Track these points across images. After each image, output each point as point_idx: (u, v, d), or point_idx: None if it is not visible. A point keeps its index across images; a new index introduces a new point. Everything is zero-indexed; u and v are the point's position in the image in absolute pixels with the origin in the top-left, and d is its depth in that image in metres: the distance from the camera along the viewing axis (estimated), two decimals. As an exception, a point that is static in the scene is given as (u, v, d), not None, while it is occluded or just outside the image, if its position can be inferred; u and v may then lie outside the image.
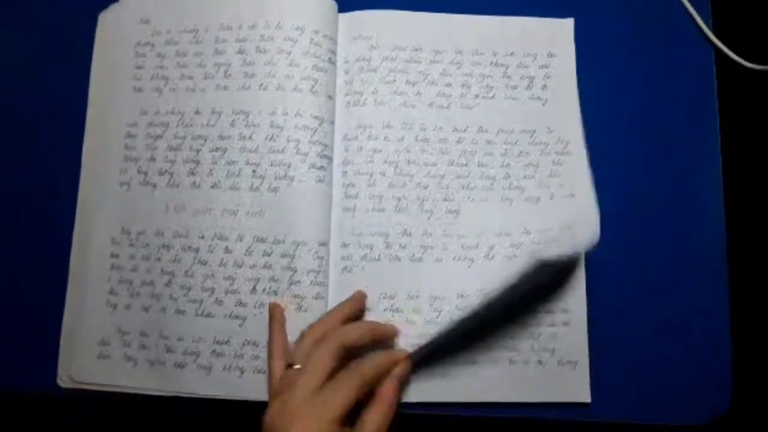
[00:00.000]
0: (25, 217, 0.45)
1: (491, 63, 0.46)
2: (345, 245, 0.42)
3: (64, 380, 0.41)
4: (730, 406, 0.42)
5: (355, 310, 0.40)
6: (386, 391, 0.36)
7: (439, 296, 0.42)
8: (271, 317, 0.40)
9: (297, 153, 0.42)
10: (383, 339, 0.40)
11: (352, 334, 0.38)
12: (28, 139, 0.46)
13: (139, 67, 0.45)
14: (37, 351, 0.42)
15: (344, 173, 0.43)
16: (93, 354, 0.41)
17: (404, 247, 0.42)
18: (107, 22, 0.46)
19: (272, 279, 0.41)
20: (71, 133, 0.45)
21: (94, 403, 0.43)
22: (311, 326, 0.38)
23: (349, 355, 0.37)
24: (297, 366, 0.36)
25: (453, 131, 0.44)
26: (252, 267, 0.41)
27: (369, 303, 0.42)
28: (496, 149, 0.44)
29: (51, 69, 0.47)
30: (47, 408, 0.45)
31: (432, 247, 0.42)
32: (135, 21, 0.46)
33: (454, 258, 0.42)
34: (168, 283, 0.41)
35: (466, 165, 0.44)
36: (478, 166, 0.44)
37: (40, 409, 0.45)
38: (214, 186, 0.42)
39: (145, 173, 0.43)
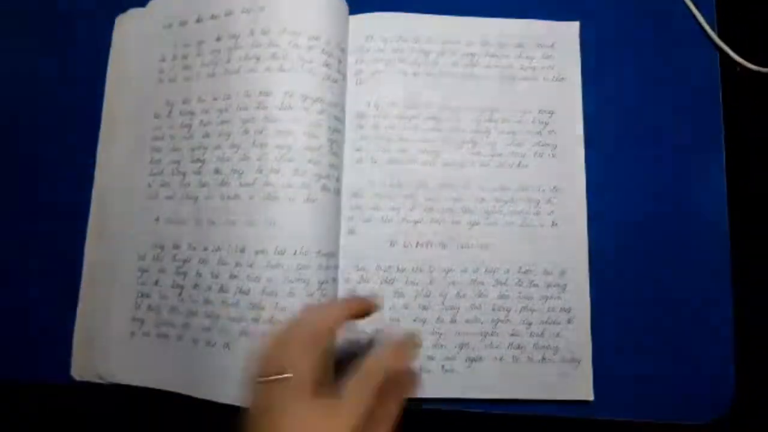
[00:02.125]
0: (37, 218, 0.46)
1: (496, 66, 0.46)
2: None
3: (78, 373, 0.42)
4: (732, 406, 0.42)
5: (362, 310, 0.34)
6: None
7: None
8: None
9: (310, 162, 0.41)
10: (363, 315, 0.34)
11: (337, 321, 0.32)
12: (44, 137, 0.47)
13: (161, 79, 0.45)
14: (50, 343, 0.43)
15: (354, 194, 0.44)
16: (121, 353, 0.42)
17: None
18: (125, 25, 0.47)
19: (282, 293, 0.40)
20: (86, 133, 0.46)
21: (108, 394, 0.44)
22: (299, 324, 0.31)
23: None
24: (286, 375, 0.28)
25: (457, 141, 0.45)
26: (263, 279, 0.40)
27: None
28: (492, 155, 0.45)
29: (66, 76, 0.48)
30: (58, 398, 0.46)
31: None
32: (156, 26, 0.46)
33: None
34: (195, 286, 0.41)
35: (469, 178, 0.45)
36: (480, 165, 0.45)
37: (51, 399, 0.46)
38: (230, 197, 0.41)
39: (176, 173, 0.43)
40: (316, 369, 0.28)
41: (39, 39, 0.49)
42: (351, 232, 0.43)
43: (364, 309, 0.34)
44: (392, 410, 0.30)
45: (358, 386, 0.28)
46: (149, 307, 0.42)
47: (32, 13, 0.49)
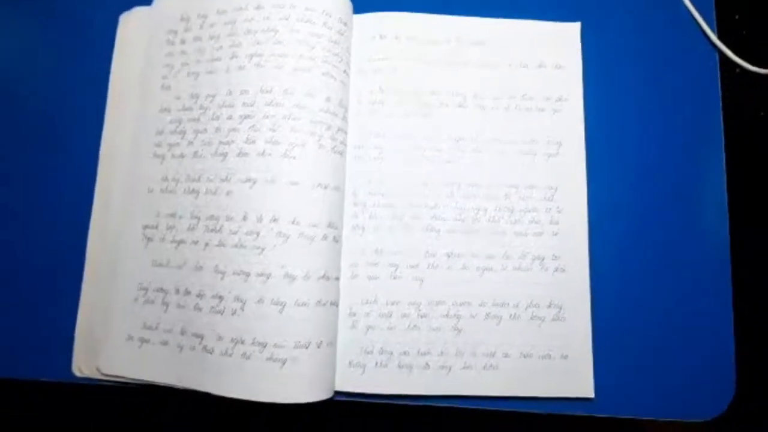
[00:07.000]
0: (40, 211, 0.46)
1: (498, 65, 0.47)
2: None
3: (81, 370, 0.42)
4: (733, 403, 0.42)
5: None
6: None
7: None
8: None
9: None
10: None
11: None
12: (47, 132, 0.47)
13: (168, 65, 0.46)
14: (53, 340, 0.43)
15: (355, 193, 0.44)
16: (122, 347, 0.42)
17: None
18: (129, 22, 0.47)
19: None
20: (91, 125, 0.46)
21: (109, 392, 0.43)
22: None
23: None
24: None
25: (457, 140, 0.45)
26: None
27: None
28: (497, 156, 0.45)
29: (71, 69, 0.48)
30: (59, 397, 0.46)
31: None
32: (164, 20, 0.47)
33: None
34: (197, 280, 0.41)
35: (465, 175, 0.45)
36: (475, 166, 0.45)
37: (51, 397, 0.46)
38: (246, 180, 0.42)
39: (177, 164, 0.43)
40: None
41: (41, 37, 0.49)
42: (355, 221, 0.44)
43: None
44: None
45: None
46: (150, 302, 0.42)
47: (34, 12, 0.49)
